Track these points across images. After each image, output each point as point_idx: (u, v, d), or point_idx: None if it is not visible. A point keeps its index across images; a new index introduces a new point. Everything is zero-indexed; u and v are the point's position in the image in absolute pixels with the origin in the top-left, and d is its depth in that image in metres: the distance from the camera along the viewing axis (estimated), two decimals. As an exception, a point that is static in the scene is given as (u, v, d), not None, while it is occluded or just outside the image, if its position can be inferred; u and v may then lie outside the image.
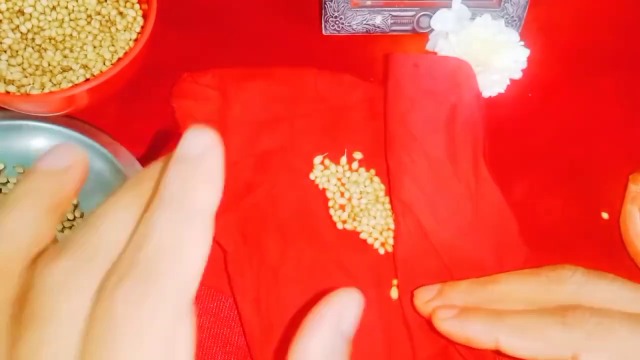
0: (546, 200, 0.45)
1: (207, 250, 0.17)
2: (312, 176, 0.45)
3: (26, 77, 0.42)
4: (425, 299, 0.37)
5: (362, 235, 0.43)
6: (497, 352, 0.34)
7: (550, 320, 0.32)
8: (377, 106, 0.47)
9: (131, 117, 0.47)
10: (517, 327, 0.33)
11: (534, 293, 0.34)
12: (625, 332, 0.31)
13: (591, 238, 0.44)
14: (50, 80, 0.42)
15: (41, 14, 0.45)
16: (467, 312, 0.35)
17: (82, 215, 0.43)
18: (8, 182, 0.44)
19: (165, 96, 0.46)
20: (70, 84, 0.42)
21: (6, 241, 0.18)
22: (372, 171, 0.45)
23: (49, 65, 0.43)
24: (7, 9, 0.44)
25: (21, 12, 0.44)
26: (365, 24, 0.51)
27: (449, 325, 0.35)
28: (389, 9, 0.50)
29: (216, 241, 0.41)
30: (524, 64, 0.48)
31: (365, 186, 0.45)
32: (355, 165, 0.45)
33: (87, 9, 0.46)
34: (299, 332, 0.20)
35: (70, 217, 0.43)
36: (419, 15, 0.51)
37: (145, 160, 0.44)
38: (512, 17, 0.51)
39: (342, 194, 0.44)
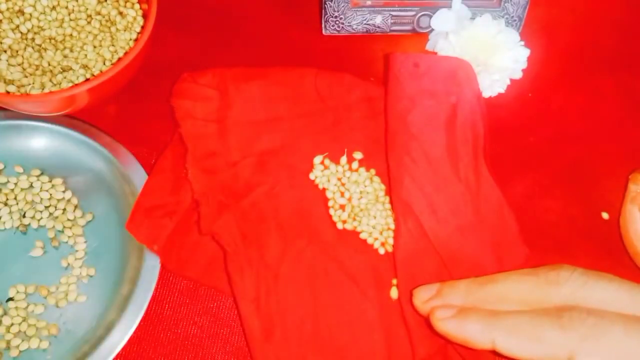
0: (546, 200, 0.46)
1: None
2: (312, 176, 0.45)
3: (26, 77, 0.42)
4: (424, 298, 0.37)
5: (362, 235, 0.43)
6: (496, 353, 0.34)
7: (547, 321, 0.32)
8: (377, 106, 0.47)
9: (131, 117, 0.47)
10: (514, 328, 0.33)
11: (532, 293, 0.34)
12: (620, 334, 0.31)
13: (591, 238, 0.44)
14: (50, 80, 0.42)
15: (41, 14, 0.45)
16: (464, 312, 0.35)
17: (82, 215, 0.43)
18: (8, 182, 0.44)
19: (165, 96, 0.46)
20: (70, 84, 0.42)
21: None
22: (372, 171, 0.45)
23: (49, 65, 0.43)
24: (7, 9, 0.44)
25: (21, 12, 0.44)
26: (365, 24, 0.51)
27: (447, 325, 0.35)
28: (389, 9, 0.50)
29: (216, 241, 0.41)
30: (524, 64, 0.48)
31: (365, 186, 0.45)
32: (355, 165, 0.45)
33: (87, 9, 0.46)
34: None
35: (71, 217, 0.43)
36: (419, 15, 0.51)
37: (145, 160, 0.44)
38: (512, 17, 0.51)
39: (342, 194, 0.44)
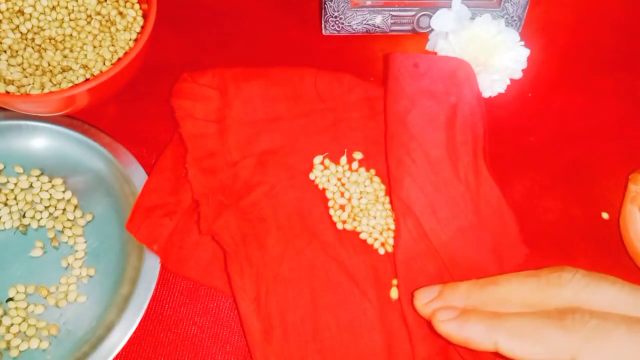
0: (546, 200, 0.46)
1: None
2: (312, 176, 0.45)
3: (26, 77, 0.42)
4: (425, 300, 0.37)
5: (362, 236, 0.43)
6: (497, 354, 0.34)
7: (549, 323, 0.32)
8: (377, 106, 0.47)
9: (131, 117, 0.47)
10: (516, 330, 0.33)
11: (534, 295, 0.34)
12: (623, 336, 0.31)
13: (591, 238, 0.44)
14: (50, 80, 0.42)
15: (41, 14, 0.45)
16: (466, 314, 0.35)
17: (82, 216, 0.43)
18: (8, 182, 0.44)
19: (165, 96, 0.46)
20: (70, 84, 0.42)
21: None
22: (372, 171, 0.45)
23: (49, 65, 0.43)
24: (7, 9, 0.44)
25: (21, 12, 0.44)
26: (365, 24, 0.51)
27: (449, 327, 0.35)
28: (389, 9, 0.50)
29: (216, 241, 0.41)
30: (524, 64, 0.48)
31: (365, 186, 0.45)
32: (355, 165, 0.45)
33: (87, 9, 0.46)
34: None
35: (71, 217, 0.43)
36: (419, 15, 0.51)
37: (145, 160, 0.44)
38: (512, 17, 0.51)
39: (342, 194, 0.44)
